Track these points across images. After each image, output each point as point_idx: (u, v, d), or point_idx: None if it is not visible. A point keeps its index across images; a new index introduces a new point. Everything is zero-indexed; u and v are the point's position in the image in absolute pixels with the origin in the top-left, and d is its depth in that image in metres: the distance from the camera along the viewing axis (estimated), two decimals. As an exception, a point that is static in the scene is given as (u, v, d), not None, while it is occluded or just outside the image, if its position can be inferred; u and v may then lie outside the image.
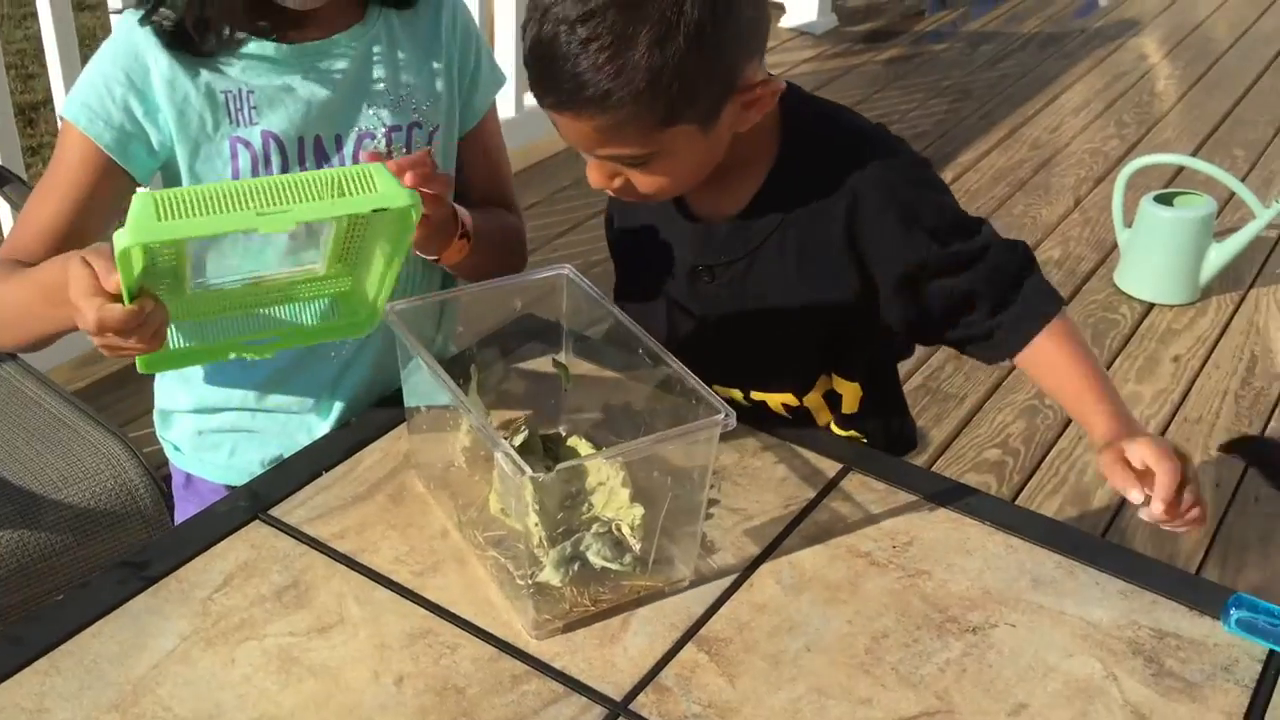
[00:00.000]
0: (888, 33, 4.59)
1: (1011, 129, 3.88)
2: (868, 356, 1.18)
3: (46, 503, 1.46)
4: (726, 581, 0.97)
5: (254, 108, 1.09)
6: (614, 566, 0.93)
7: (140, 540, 1.52)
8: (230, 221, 0.82)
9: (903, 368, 2.64)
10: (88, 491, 1.48)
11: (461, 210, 1.11)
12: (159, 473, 1.52)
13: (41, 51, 2.31)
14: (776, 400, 1.19)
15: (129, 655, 0.87)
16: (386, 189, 0.87)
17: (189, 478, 1.28)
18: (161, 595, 0.93)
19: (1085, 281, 3.05)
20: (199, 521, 1.01)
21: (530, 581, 0.90)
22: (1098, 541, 1.03)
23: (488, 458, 0.98)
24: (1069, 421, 2.53)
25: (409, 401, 1.05)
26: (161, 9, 1.05)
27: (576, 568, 0.91)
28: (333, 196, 0.85)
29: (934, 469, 2.36)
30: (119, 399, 2.25)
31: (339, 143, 1.13)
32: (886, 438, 1.24)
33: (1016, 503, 2.29)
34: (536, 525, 0.89)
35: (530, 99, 3.35)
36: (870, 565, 1.00)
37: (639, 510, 0.92)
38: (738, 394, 1.19)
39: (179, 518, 1.34)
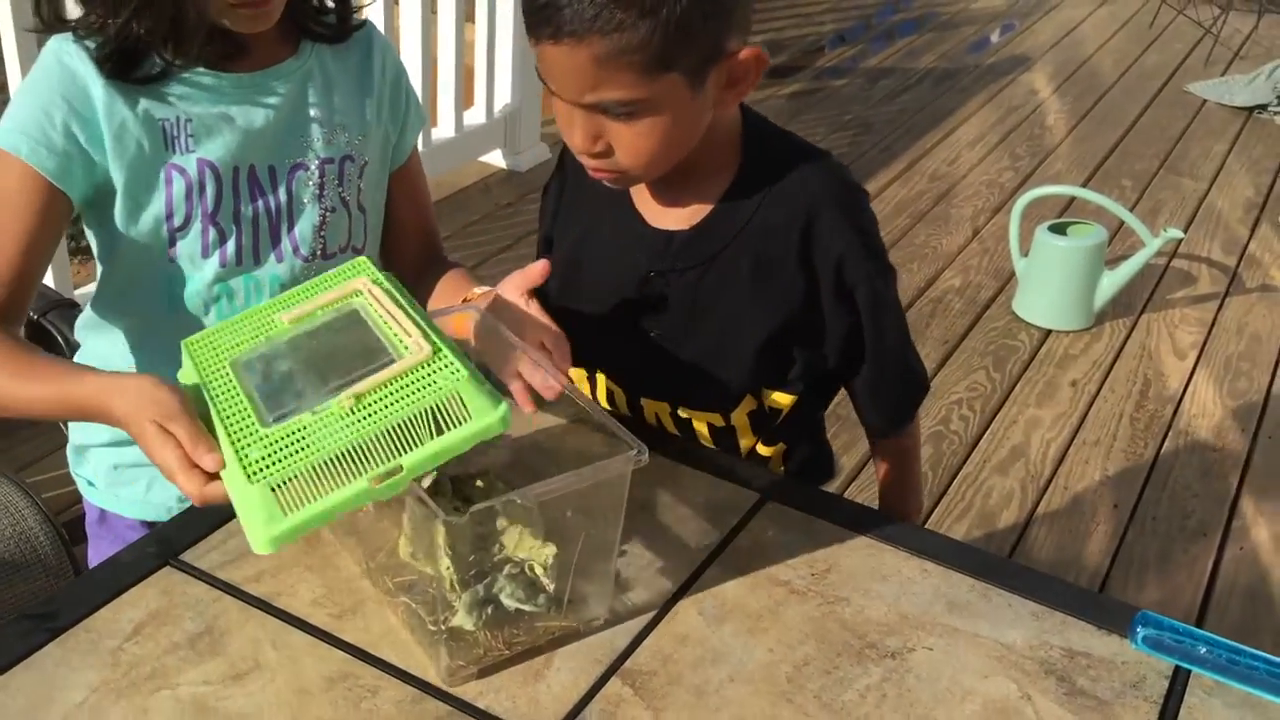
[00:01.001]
0: (789, 68, 4.69)
1: (911, 161, 3.97)
2: (804, 372, 1.20)
3: (-59, 554, 1.41)
4: (649, 614, 0.97)
5: (191, 135, 1.08)
6: (528, 608, 0.92)
7: (41, 588, 1.47)
8: (352, 499, 0.80)
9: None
10: (-16, 541, 1.43)
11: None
12: (68, 512, 1.48)
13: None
14: (703, 421, 1.20)
15: (37, 709, 0.84)
16: (477, 405, 0.83)
17: (103, 514, 1.25)
18: (69, 645, 0.90)
19: (985, 309, 3.13)
20: (107, 569, 0.98)
21: (443, 627, 0.89)
22: (1009, 564, 1.06)
23: (396, 501, 0.95)
24: (974, 445, 2.59)
25: None
26: (91, 34, 1.04)
27: (490, 611, 0.90)
28: (430, 431, 0.82)
29: (845, 495, 2.40)
30: (20, 441, 2.18)
31: (273, 174, 1.12)
32: (814, 460, 1.26)
33: (926, 525, 2.34)
34: (449, 569, 0.88)
35: (438, 133, 3.35)
36: (790, 594, 1.01)
37: (551, 550, 0.91)
38: (665, 409, 1.20)
39: (93, 554, 1.30)
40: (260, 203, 1.12)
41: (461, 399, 0.83)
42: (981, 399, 2.75)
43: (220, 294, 1.14)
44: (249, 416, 0.85)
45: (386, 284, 0.95)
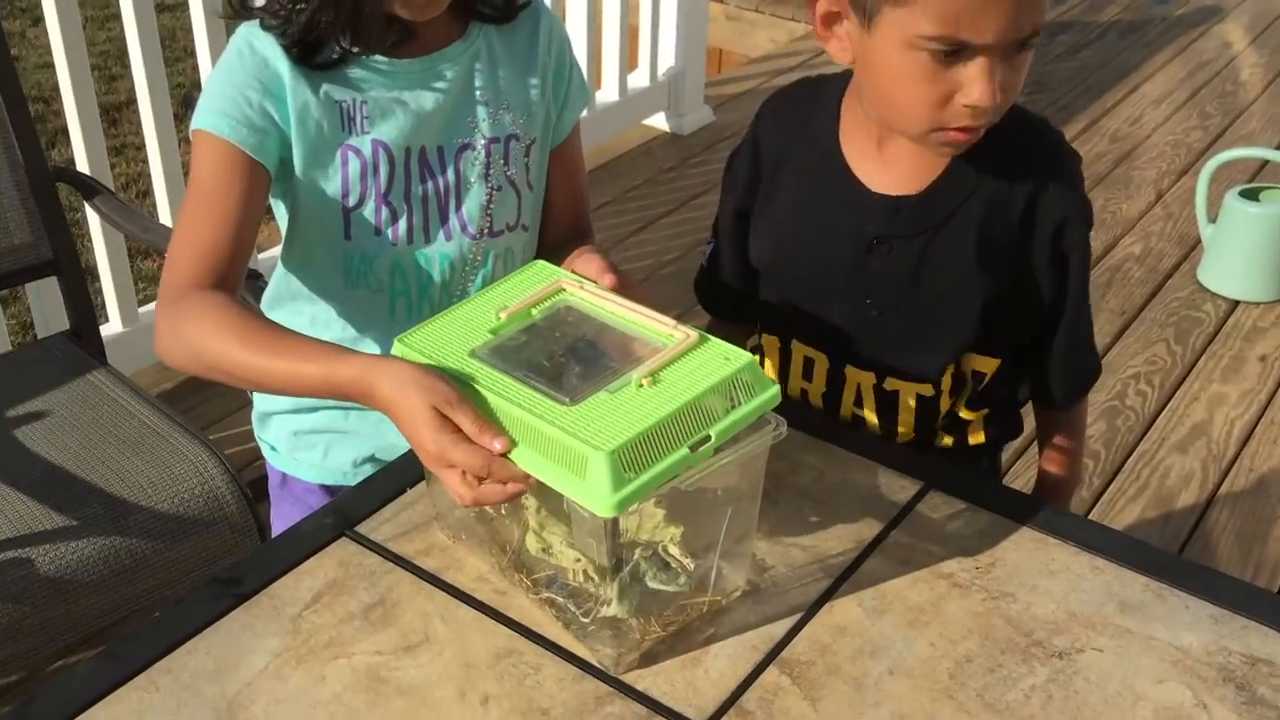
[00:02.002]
0: (962, 23, 4.52)
1: (1090, 121, 3.80)
2: (1010, 338, 1.19)
3: (136, 508, 1.50)
4: (807, 603, 0.97)
5: (366, 117, 1.12)
6: (671, 588, 0.92)
7: (226, 543, 1.55)
8: (676, 464, 0.85)
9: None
10: (175, 497, 1.52)
11: None
12: (250, 469, 1.56)
13: (124, 53, 2.36)
14: (911, 391, 1.19)
15: (224, 672, 0.90)
16: (759, 381, 0.91)
17: (285, 477, 1.32)
18: (253, 612, 0.95)
19: (1168, 278, 2.99)
20: (288, 538, 1.03)
21: (596, 618, 0.90)
22: (1186, 563, 1.02)
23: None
24: (1151, 423, 2.48)
25: None
26: (277, 21, 1.08)
27: (638, 596, 0.91)
28: (725, 404, 0.89)
29: (1011, 471, 2.33)
30: (205, 400, 2.30)
31: (441, 154, 1.16)
32: (1011, 426, 1.26)
33: (1097, 506, 2.26)
34: (602, 559, 0.89)
35: (602, 96, 3.37)
36: (953, 587, 0.99)
37: (678, 529, 0.93)
38: (870, 379, 1.19)
39: (275, 516, 1.37)
40: (430, 183, 1.15)
41: (746, 375, 0.90)
42: (1161, 373, 2.63)
43: (394, 270, 1.17)
44: (537, 398, 0.87)
45: (586, 282, 1.01)
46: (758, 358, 1.16)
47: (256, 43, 1.09)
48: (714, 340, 0.93)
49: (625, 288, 1.00)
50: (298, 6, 1.06)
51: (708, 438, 0.87)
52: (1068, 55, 4.30)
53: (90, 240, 2.41)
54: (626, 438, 0.83)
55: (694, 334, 0.93)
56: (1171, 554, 1.04)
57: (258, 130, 1.09)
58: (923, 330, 1.17)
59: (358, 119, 1.12)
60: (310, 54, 1.09)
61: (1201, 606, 0.97)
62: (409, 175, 1.14)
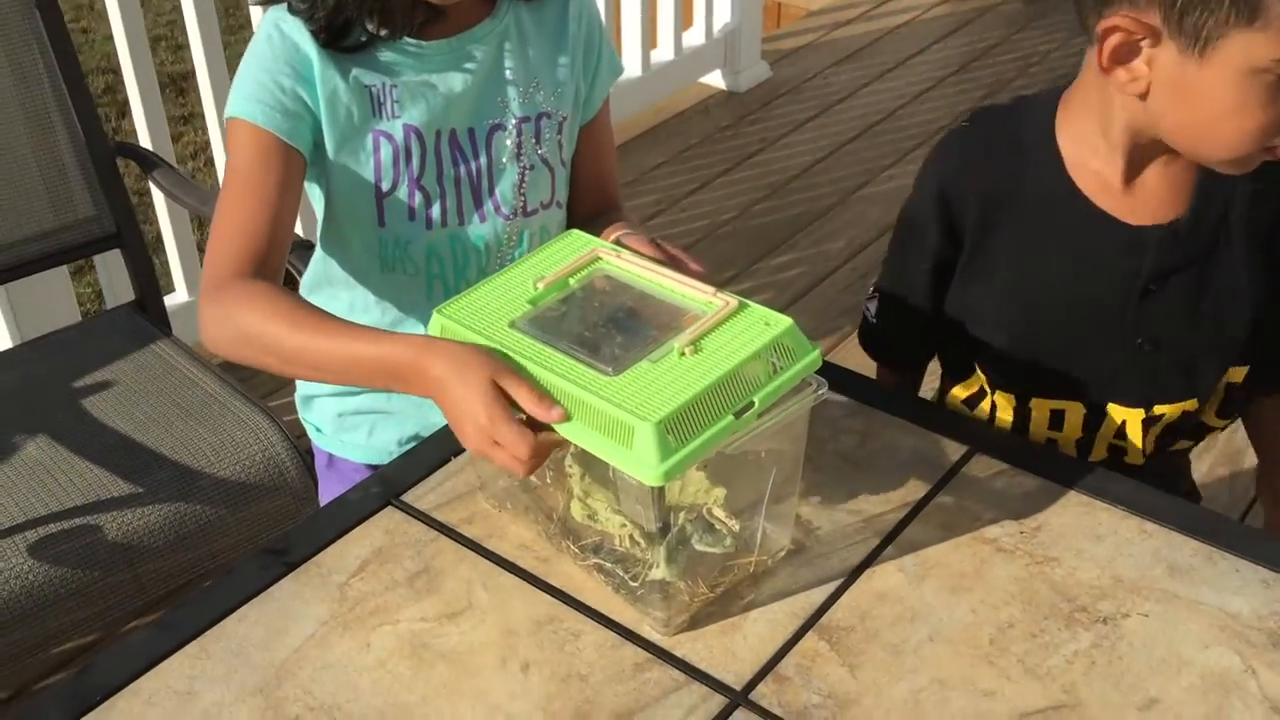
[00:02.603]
0: (1028, -31, 4.41)
1: (1161, 67, 3.70)
2: (1258, 342, 1.15)
3: (200, 476, 1.54)
4: (847, 569, 0.97)
5: (397, 101, 1.12)
6: (717, 550, 0.93)
7: (287, 507, 1.59)
8: (721, 432, 0.85)
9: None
10: (238, 464, 1.56)
11: None
12: (302, 444, 1.59)
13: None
14: (1177, 408, 1.15)
15: (272, 640, 0.92)
16: (800, 345, 0.91)
17: (331, 458, 1.33)
18: (301, 580, 0.97)
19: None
20: (335, 508, 1.05)
21: (644, 581, 0.91)
22: (1239, 527, 1.00)
23: (556, 467, 0.97)
24: (1220, 378, 2.43)
25: None
26: (313, 8, 1.08)
27: (685, 559, 0.92)
28: (766, 369, 0.89)
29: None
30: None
31: (472, 136, 1.15)
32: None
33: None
34: (651, 523, 0.90)
35: (657, 55, 3.34)
36: (996, 552, 0.98)
37: (720, 490, 0.93)
38: (1137, 415, 1.15)
39: (323, 496, 1.40)
40: (462, 165, 1.15)
41: (787, 340, 0.90)
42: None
43: (430, 254, 1.17)
44: (579, 369, 0.88)
45: (623, 250, 1.01)
46: (986, 410, 1.18)
47: (285, 26, 1.09)
48: (754, 305, 0.93)
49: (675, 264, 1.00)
50: None
51: (751, 404, 0.87)
52: None
53: (155, 211, 2.45)
54: (672, 407, 0.83)
55: (733, 300, 0.93)
56: (1223, 516, 1.01)
57: (291, 115, 1.09)
58: (1196, 354, 1.12)
59: (388, 103, 1.11)
60: (338, 38, 1.08)
61: (1253, 570, 0.96)
62: (441, 158, 1.14)
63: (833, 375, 1.16)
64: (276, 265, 1.08)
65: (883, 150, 3.27)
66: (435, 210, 1.16)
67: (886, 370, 1.34)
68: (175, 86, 4.41)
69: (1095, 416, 1.16)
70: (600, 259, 1.00)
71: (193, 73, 2.38)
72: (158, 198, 2.38)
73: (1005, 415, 1.20)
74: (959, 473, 1.06)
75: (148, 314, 1.85)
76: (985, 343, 1.17)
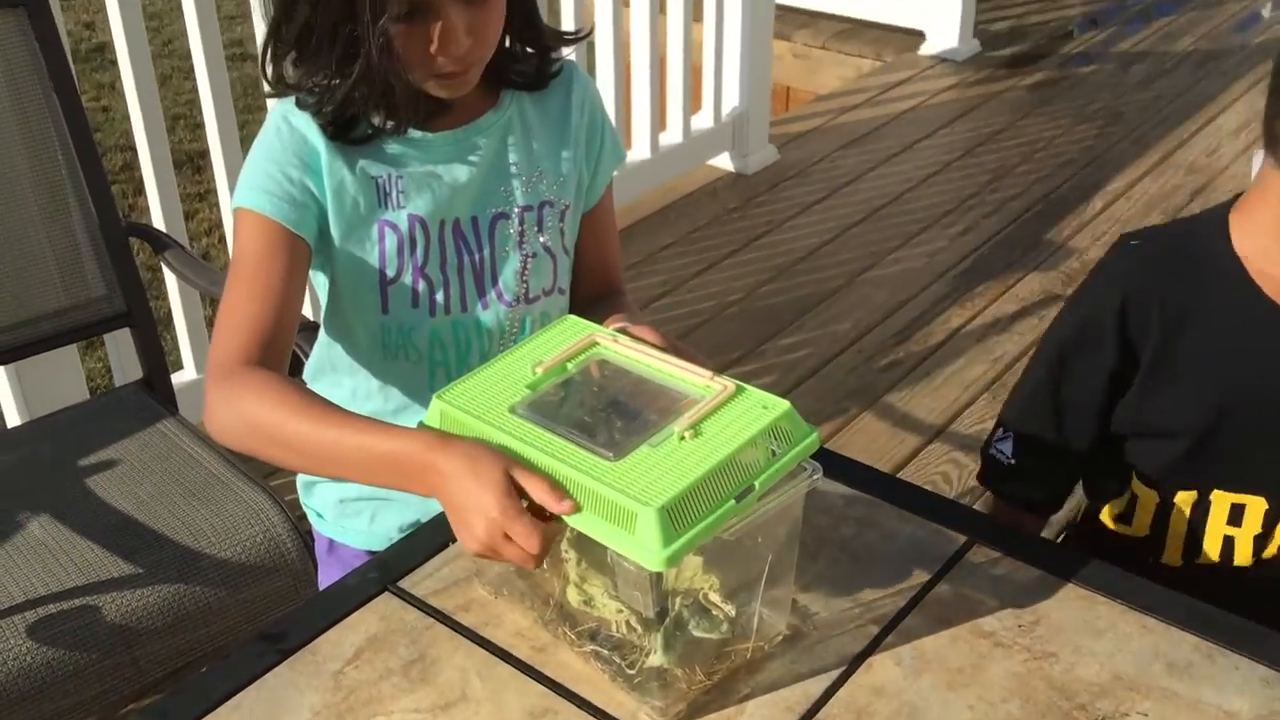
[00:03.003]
0: (1032, 56, 4.48)
1: (1165, 153, 3.74)
2: None
3: (201, 556, 1.54)
4: (845, 659, 0.96)
5: (402, 192, 1.14)
6: (714, 636, 0.93)
7: (286, 588, 1.58)
8: (723, 516, 0.86)
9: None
10: (239, 545, 1.56)
11: None
12: (303, 525, 1.59)
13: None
14: None
15: (265, 729, 0.92)
16: (798, 428, 0.92)
17: (332, 544, 1.33)
18: (296, 668, 0.97)
19: (1245, 314, 2.91)
20: (332, 593, 1.05)
21: (641, 668, 0.90)
22: (1238, 623, 0.99)
23: (551, 550, 0.96)
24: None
25: None
26: (313, 99, 1.11)
27: (682, 645, 0.92)
28: (765, 453, 0.90)
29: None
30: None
31: (475, 225, 1.17)
32: None
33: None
34: (656, 611, 0.90)
35: (666, 137, 3.39)
36: (994, 646, 0.97)
37: (715, 576, 0.93)
38: (1262, 504, 1.17)
39: (323, 581, 1.39)
40: (466, 254, 1.17)
41: (785, 423, 0.91)
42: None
43: (433, 341, 1.19)
44: (580, 454, 0.88)
45: (619, 335, 1.02)
46: (1143, 528, 1.20)
47: (293, 119, 1.11)
48: (751, 389, 0.94)
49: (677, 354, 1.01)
50: (332, 83, 1.09)
51: (751, 488, 0.87)
52: (1141, 86, 4.24)
53: (166, 287, 2.48)
54: (674, 493, 0.84)
55: (731, 384, 0.94)
56: (1222, 612, 1.01)
57: (298, 205, 1.10)
58: None
59: (393, 194, 1.13)
60: (345, 130, 1.11)
61: (1252, 668, 0.95)
62: (445, 247, 1.16)
63: (832, 463, 1.16)
64: (282, 352, 1.08)
65: (888, 233, 3.30)
66: (439, 297, 1.17)
67: (1017, 513, 1.30)
68: (192, 164, 4.48)
69: (1276, 509, 1.17)
70: (597, 344, 1.01)
71: (209, 151, 2.42)
72: (168, 275, 2.41)
73: (1180, 512, 1.20)
74: (958, 563, 1.06)
75: (155, 392, 1.86)
76: (1158, 450, 1.19)
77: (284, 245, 1.10)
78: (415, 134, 1.14)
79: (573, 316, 1.06)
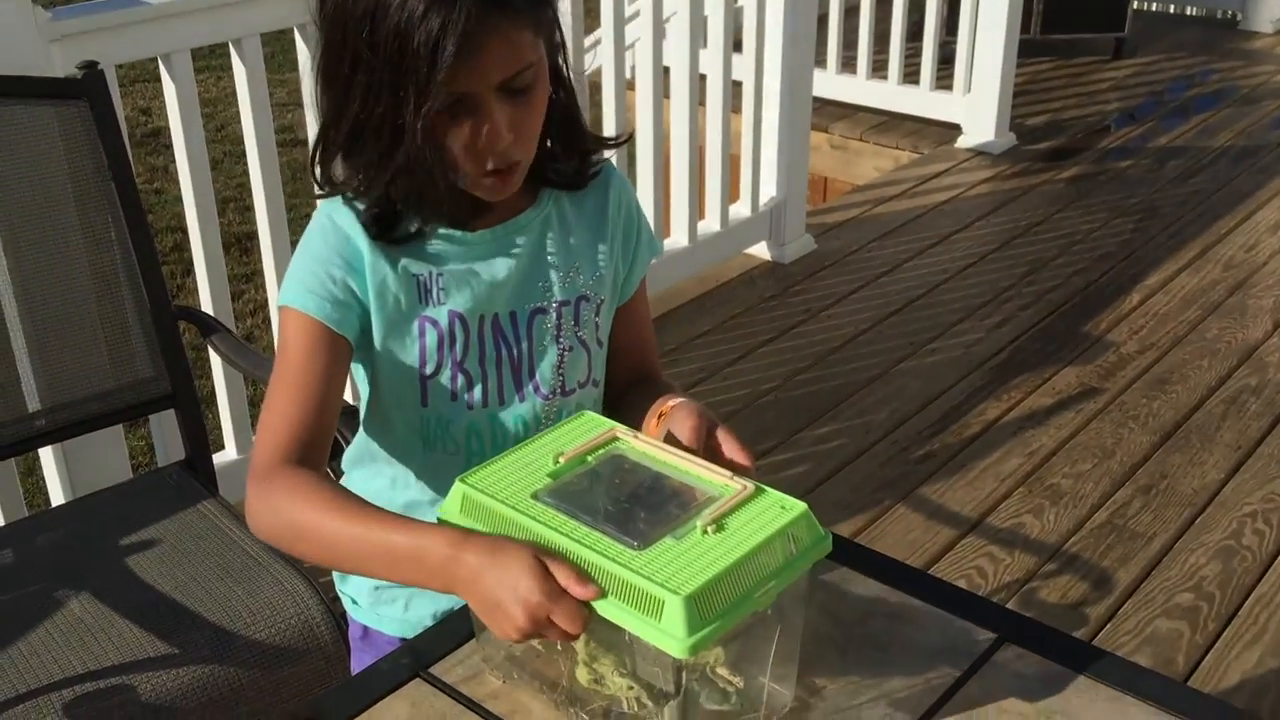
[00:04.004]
0: (1069, 150, 4.52)
1: (1203, 248, 3.74)
2: None
3: (236, 637, 1.55)
4: (873, 760, 0.96)
5: (443, 289, 1.16)
6: (725, 708, 0.95)
7: (318, 670, 1.59)
8: (745, 606, 0.89)
9: (1085, 504, 2.56)
10: (273, 627, 1.57)
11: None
12: (337, 608, 1.60)
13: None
14: None
15: (293, 813, 0.92)
16: (814, 531, 0.95)
17: (366, 630, 1.34)
18: (326, 752, 0.98)
19: (1286, 411, 2.89)
20: (364, 678, 1.06)
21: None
22: (1274, 729, 0.98)
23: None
24: (1270, 564, 2.38)
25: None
26: (358, 198, 1.14)
27: (694, 717, 0.93)
28: (784, 552, 0.93)
29: (1120, 613, 2.26)
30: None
31: (514, 319, 1.19)
32: None
33: (1212, 650, 2.17)
34: (676, 690, 0.91)
35: (704, 226, 3.44)
36: (1024, 747, 0.97)
37: (721, 650, 0.94)
38: None
39: (355, 665, 1.39)
40: (504, 348, 1.19)
41: (802, 525, 0.94)
42: (1279, 512, 2.54)
43: (470, 433, 1.21)
44: (606, 541, 0.91)
45: (638, 433, 1.06)
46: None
47: (337, 218, 1.14)
48: (769, 490, 0.96)
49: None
50: (371, 184, 1.11)
51: (770, 582, 0.90)
52: (1179, 181, 4.26)
53: (211, 368, 2.53)
54: (701, 583, 0.86)
55: (750, 485, 0.96)
56: (1254, 714, 0.99)
57: (340, 304, 1.13)
58: None
59: (434, 291, 1.16)
60: (387, 229, 1.14)
61: (1289, 776, 0.93)
62: (484, 342, 1.18)
63: (863, 558, 1.17)
64: (322, 450, 1.12)
65: (925, 324, 3.31)
66: (477, 392, 1.19)
67: None
68: (240, 246, 4.59)
69: None
70: (618, 438, 1.04)
71: (257, 233, 2.48)
72: (213, 356, 2.46)
73: None
74: (988, 661, 1.05)
75: (197, 473, 1.89)
76: None
77: (326, 344, 1.13)
78: (456, 233, 1.17)
79: (590, 412, 1.09)
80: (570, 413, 1.23)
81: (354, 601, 1.34)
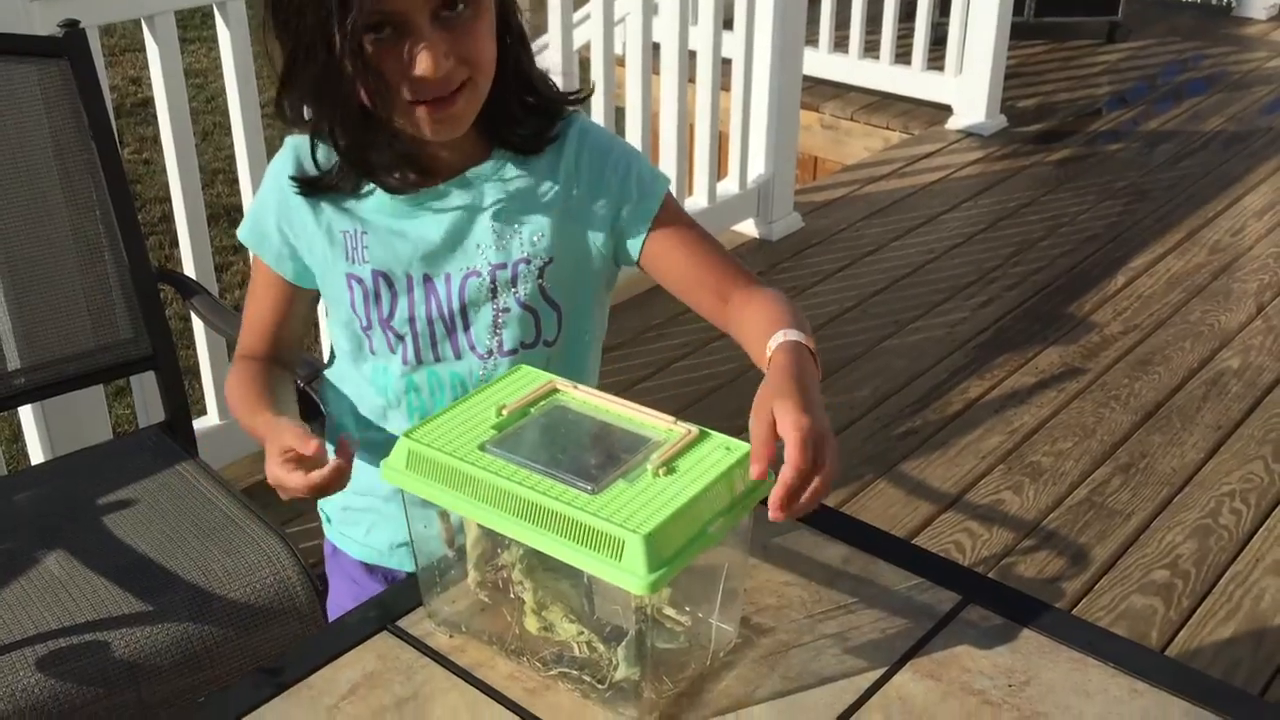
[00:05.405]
0: (1060, 133, 4.53)
1: (1190, 231, 3.75)
2: None
3: (212, 597, 1.56)
4: (834, 716, 0.97)
5: (365, 247, 1.18)
6: (673, 646, 0.97)
7: (294, 632, 1.60)
8: (699, 543, 0.91)
9: (1064, 481, 2.57)
10: (249, 587, 1.58)
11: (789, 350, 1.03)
12: (315, 570, 1.61)
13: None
14: None
15: (256, 759, 0.93)
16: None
17: (334, 548, 1.38)
18: (292, 701, 0.98)
19: (1267, 393, 2.91)
20: (331, 631, 1.07)
21: (610, 683, 0.94)
22: (1231, 690, 0.99)
23: (499, 586, 1.03)
24: (1246, 543, 2.40)
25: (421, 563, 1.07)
26: (323, 141, 1.15)
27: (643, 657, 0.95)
28: (729, 490, 0.94)
29: (1096, 588, 2.28)
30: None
31: (448, 280, 1.19)
32: None
33: (1186, 626, 2.19)
34: (635, 629, 0.93)
35: (692, 202, 3.44)
36: (984, 704, 0.98)
37: (666, 590, 0.96)
38: None
39: (330, 585, 1.43)
40: (434, 307, 1.19)
41: (748, 465, 0.94)
42: (1257, 491, 2.55)
43: (408, 387, 1.23)
44: (559, 487, 0.93)
45: (578, 384, 1.07)
46: None
47: (283, 162, 1.19)
48: (713, 433, 0.99)
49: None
50: (315, 115, 1.12)
51: (721, 518, 0.92)
52: (1168, 165, 4.27)
53: (195, 337, 2.53)
54: (659, 522, 0.88)
55: (694, 429, 0.98)
56: (1215, 679, 1.01)
57: (274, 247, 1.22)
58: None
59: (358, 249, 1.18)
60: (313, 187, 1.17)
61: (1244, 735, 0.95)
62: (412, 301, 1.19)
63: (832, 520, 1.17)
64: (283, 345, 1.29)
65: (910, 303, 3.32)
66: (409, 348, 1.21)
67: None
68: (229, 217, 4.57)
69: None
70: (558, 390, 1.05)
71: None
72: (196, 322, 2.46)
73: None
74: (952, 620, 1.06)
75: (176, 436, 1.90)
76: None
77: (267, 276, 1.25)
78: (386, 194, 1.16)
79: (526, 366, 1.09)
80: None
81: (327, 519, 1.38)
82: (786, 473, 0.89)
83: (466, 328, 1.20)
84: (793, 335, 1.05)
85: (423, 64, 1.04)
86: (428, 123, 1.09)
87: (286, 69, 1.10)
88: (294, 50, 1.08)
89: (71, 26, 1.77)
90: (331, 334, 1.29)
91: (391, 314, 1.20)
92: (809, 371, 1.00)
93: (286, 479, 1.05)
